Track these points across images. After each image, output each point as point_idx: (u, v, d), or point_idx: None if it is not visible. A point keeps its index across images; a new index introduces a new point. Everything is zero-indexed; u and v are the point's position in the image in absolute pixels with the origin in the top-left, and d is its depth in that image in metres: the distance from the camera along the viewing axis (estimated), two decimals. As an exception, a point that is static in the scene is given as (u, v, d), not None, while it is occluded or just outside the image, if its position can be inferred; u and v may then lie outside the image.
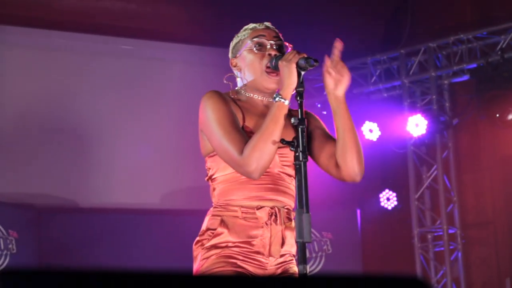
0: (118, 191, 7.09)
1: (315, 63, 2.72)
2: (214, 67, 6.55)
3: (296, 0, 7.33)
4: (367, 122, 7.43)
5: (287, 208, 2.85)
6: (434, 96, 7.31)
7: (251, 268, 2.77)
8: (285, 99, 2.73)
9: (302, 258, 2.53)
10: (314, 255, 7.14)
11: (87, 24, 6.97)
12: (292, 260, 2.86)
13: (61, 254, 6.45)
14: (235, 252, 2.77)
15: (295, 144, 2.64)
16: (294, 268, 2.84)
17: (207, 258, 2.77)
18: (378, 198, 7.72)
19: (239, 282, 1.58)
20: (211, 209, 2.88)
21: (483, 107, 6.96)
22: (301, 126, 2.64)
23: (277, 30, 2.98)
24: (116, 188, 7.08)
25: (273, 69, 2.85)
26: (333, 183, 6.86)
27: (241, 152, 2.71)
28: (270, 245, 2.79)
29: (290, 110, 2.79)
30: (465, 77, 7.17)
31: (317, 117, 3.01)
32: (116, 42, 7.25)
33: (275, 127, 2.70)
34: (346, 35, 7.75)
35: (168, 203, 7.28)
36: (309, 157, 2.79)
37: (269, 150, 2.70)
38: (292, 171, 2.80)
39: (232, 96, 2.92)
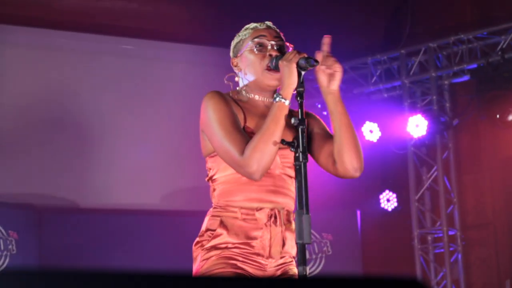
0: (118, 192, 7.08)
1: (315, 63, 2.72)
2: (215, 67, 6.55)
3: (297, 0, 7.33)
4: (367, 123, 7.43)
5: (287, 210, 2.84)
6: (434, 97, 7.30)
7: (251, 270, 2.77)
8: (285, 99, 2.73)
9: (301, 260, 2.52)
10: (314, 256, 7.13)
11: (87, 24, 6.97)
12: (292, 261, 2.86)
13: (61, 255, 6.45)
14: (235, 253, 2.76)
15: (295, 144, 2.63)
16: (294, 270, 2.84)
17: (207, 259, 2.77)
18: (378, 199, 7.72)
19: (239, 283, 1.58)
20: (211, 209, 2.88)
21: (483, 108, 6.96)
22: (301, 127, 2.63)
23: (278, 30, 2.98)
24: (116, 189, 7.08)
25: (274, 69, 2.85)
26: (333, 184, 6.86)
27: (242, 152, 2.70)
28: (270, 247, 2.78)
29: (290, 111, 2.78)
30: (466, 78, 7.17)
31: (318, 117, 3.01)
32: (116, 42, 7.25)
33: (276, 128, 2.70)
34: (346, 35, 7.79)
35: (168, 204, 7.27)
36: (309, 158, 2.78)
37: (270, 151, 2.69)
38: (293, 172, 2.79)
39: (233, 97, 2.92)
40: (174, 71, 7.51)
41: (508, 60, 6.75)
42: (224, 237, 2.77)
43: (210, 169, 2.89)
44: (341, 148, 2.80)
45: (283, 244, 2.80)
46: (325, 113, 7.29)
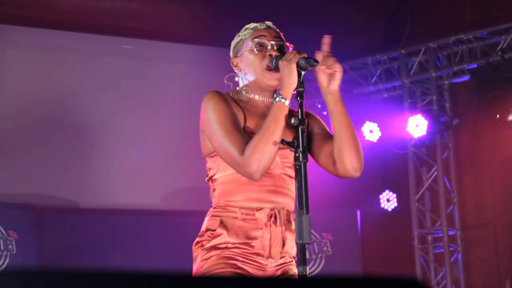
0: (118, 192, 7.08)
1: (315, 63, 2.72)
2: (215, 67, 6.55)
3: (297, 0, 7.33)
4: (367, 123, 7.43)
5: (287, 210, 2.84)
6: (434, 97, 7.30)
7: (251, 270, 2.77)
8: (285, 99, 2.73)
9: (301, 260, 2.52)
10: (314, 256, 7.13)
11: (87, 24, 6.97)
12: (292, 261, 2.86)
13: (61, 255, 6.45)
14: (235, 253, 2.77)
15: (295, 144, 2.63)
16: (294, 270, 2.84)
17: (207, 259, 2.77)
18: (378, 199, 7.72)
19: (239, 283, 1.58)
20: (211, 209, 2.88)
21: (483, 108, 6.96)
22: (301, 127, 2.63)
23: (278, 30, 2.98)
24: (116, 189, 7.08)
25: (274, 69, 2.85)
26: (333, 184, 6.86)
27: (242, 152, 2.70)
28: (270, 247, 2.78)
29: (290, 111, 2.78)
30: (466, 78, 7.17)
31: (318, 117, 3.01)
32: (116, 42, 7.25)
33: (276, 128, 2.70)
34: (346, 35, 7.78)
35: (168, 204, 7.28)
36: (310, 158, 2.78)
37: (270, 151, 2.69)
38: (293, 173, 2.79)
39: (233, 97, 2.92)
40: (174, 71, 7.51)
41: (508, 60, 6.75)
42: (224, 237, 2.77)
43: (210, 169, 2.89)
44: (341, 148, 2.80)
45: (283, 244, 2.80)
46: (325, 113, 7.28)
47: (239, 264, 2.76)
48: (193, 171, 6.29)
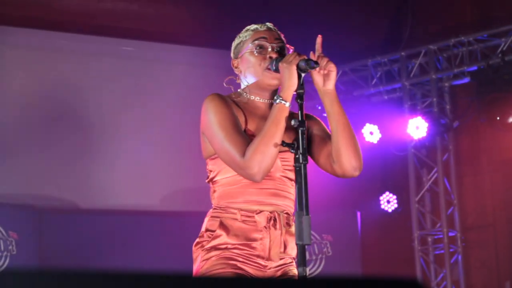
0: (119, 193, 7.09)
1: (315, 65, 2.73)
2: (216, 69, 6.54)
3: (297, 1, 7.33)
4: (367, 125, 7.44)
5: (286, 213, 2.85)
6: (434, 99, 7.31)
7: (251, 270, 2.78)
8: (285, 101, 2.73)
9: (301, 260, 2.52)
10: (314, 257, 7.13)
11: (88, 25, 6.97)
12: (292, 262, 2.86)
13: (61, 255, 6.45)
14: (235, 254, 2.77)
15: (295, 146, 2.64)
16: (294, 271, 2.84)
17: (207, 259, 2.77)
18: (379, 200, 7.72)
19: (239, 283, 1.58)
20: (211, 210, 2.88)
21: (483, 110, 6.96)
22: (301, 128, 2.64)
23: (278, 32, 2.98)
24: (117, 190, 7.08)
25: (274, 71, 2.85)
26: (334, 185, 6.86)
27: (243, 154, 2.70)
28: (269, 249, 2.79)
29: (291, 113, 2.79)
30: (466, 80, 7.17)
31: (318, 118, 3.01)
32: (117, 43, 7.25)
33: (277, 130, 2.70)
34: (346, 37, 7.78)
35: (168, 205, 7.28)
36: (310, 159, 2.79)
37: (271, 153, 2.70)
38: (293, 175, 2.79)
39: (234, 98, 2.92)
40: (175, 73, 7.51)
41: (509, 63, 6.75)
42: (224, 238, 2.78)
43: (210, 171, 2.89)
44: (339, 147, 2.80)
45: (284, 248, 2.81)
46: (325, 114, 7.30)
47: (239, 264, 2.76)
48: (193, 172, 6.30)
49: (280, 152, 2.74)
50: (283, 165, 2.83)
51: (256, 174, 2.70)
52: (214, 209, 2.86)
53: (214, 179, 2.87)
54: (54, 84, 7.05)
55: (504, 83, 6.77)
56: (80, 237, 6.60)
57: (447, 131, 7.34)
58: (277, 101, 2.74)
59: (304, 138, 2.64)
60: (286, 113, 2.73)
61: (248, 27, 2.98)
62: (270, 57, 2.88)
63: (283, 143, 2.68)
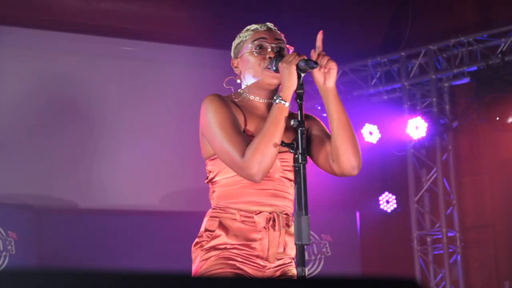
0: (118, 193, 7.09)
1: (315, 65, 2.72)
2: (215, 69, 6.55)
3: (296, 2, 7.33)
4: (367, 125, 7.44)
5: (286, 214, 2.85)
6: (434, 99, 7.31)
7: (250, 270, 2.78)
8: (285, 101, 2.73)
9: (300, 261, 2.52)
10: (313, 257, 7.13)
11: (88, 25, 6.97)
12: (291, 262, 2.86)
13: (61, 255, 6.45)
14: (234, 254, 2.77)
15: (295, 146, 2.64)
16: (293, 271, 2.84)
17: (206, 259, 2.77)
18: (378, 200, 7.73)
19: (238, 283, 1.58)
20: (210, 210, 2.88)
21: (483, 110, 6.96)
22: (300, 128, 2.64)
23: (279, 32, 2.98)
24: (116, 190, 7.08)
25: (273, 72, 2.85)
26: (333, 185, 6.85)
27: (242, 154, 2.70)
28: (268, 250, 2.79)
29: (290, 113, 2.79)
30: (466, 80, 7.17)
31: (318, 119, 3.01)
32: (116, 44, 7.25)
33: (276, 130, 2.70)
34: (346, 37, 7.77)
35: (167, 205, 7.28)
36: (309, 159, 2.79)
37: (270, 153, 2.70)
38: (292, 176, 2.78)
39: (234, 99, 2.92)
40: (174, 73, 7.51)
41: (508, 63, 6.76)
42: (223, 238, 2.78)
43: (210, 171, 2.89)
44: (338, 145, 2.80)
45: (284, 249, 2.81)
46: (324, 115, 7.26)
47: (238, 264, 2.76)
48: (193, 172, 6.30)
49: (279, 152, 2.74)
50: (282, 165, 2.84)
51: (256, 174, 2.70)
52: (213, 209, 2.86)
53: (214, 180, 2.87)
54: (54, 84, 7.04)
55: (504, 83, 6.77)
56: (79, 237, 6.60)
57: (447, 131, 7.34)
58: (277, 101, 2.74)
59: (304, 138, 2.63)
60: (285, 113, 2.73)
61: (248, 27, 2.98)
62: (270, 57, 2.88)
63: (283, 143, 2.68)
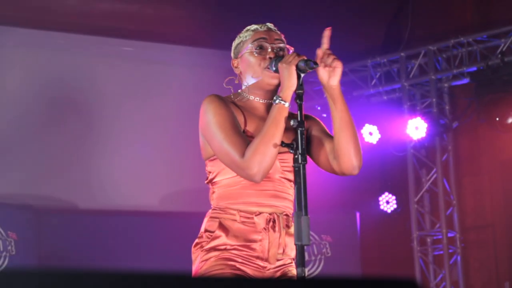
0: (118, 193, 7.09)
1: (314, 66, 2.72)
2: (215, 69, 6.55)
3: (296, 2, 7.33)
4: (366, 125, 7.44)
5: (286, 215, 2.84)
6: (434, 99, 7.31)
7: (250, 271, 2.77)
8: (285, 101, 2.73)
9: (300, 261, 2.52)
10: (313, 258, 7.13)
11: (87, 26, 6.97)
12: (291, 263, 2.86)
13: (60, 255, 6.45)
14: (234, 255, 2.77)
15: (294, 146, 2.64)
16: (293, 271, 2.84)
17: (206, 260, 2.77)
18: (378, 201, 7.72)
19: (238, 284, 1.58)
20: (210, 211, 2.88)
21: (483, 111, 6.96)
22: (300, 129, 2.63)
23: (279, 32, 2.98)
24: (116, 190, 7.08)
25: (273, 72, 2.85)
26: (333, 186, 6.85)
27: (242, 155, 2.70)
28: (268, 251, 2.79)
29: (290, 113, 2.79)
30: (465, 80, 7.18)
31: (318, 119, 3.01)
32: (116, 44, 7.25)
33: (276, 130, 2.70)
34: (346, 37, 7.78)
35: (167, 205, 7.28)
36: (309, 159, 2.79)
37: (270, 153, 2.69)
38: (292, 176, 2.78)
39: (233, 99, 2.92)
40: (174, 73, 7.51)
41: (508, 63, 6.76)
42: (223, 239, 2.78)
43: (209, 172, 2.89)
44: (340, 144, 2.80)
45: (283, 251, 2.81)
46: (324, 115, 7.31)
47: (238, 265, 2.76)
48: (193, 173, 6.29)
49: (279, 153, 2.74)
50: (282, 166, 2.83)
51: (256, 175, 2.69)
52: (213, 210, 2.86)
53: (213, 180, 2.87)
54: (54, 84, 7.04)
55: (504, 83, 6.77)
56: (79, 237, 6.60)
57: (447, 132, 7.34)
58: (277, 101, 2.74)
59: (303, 138, 2.63)
60: (285, 113, 2.73)
61: (248, 27, 2.98)
62: (270, 58, 2.88)
63: (282, 144, 2.68)
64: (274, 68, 2.83)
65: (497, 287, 7.14)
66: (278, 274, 2.82)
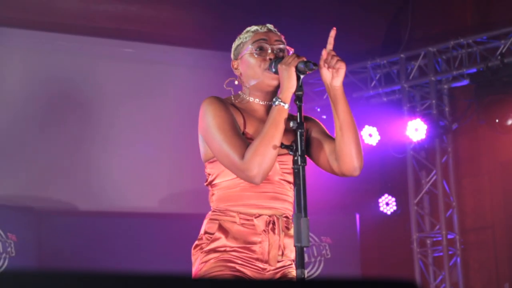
0: (118, 195, 7.09)
1: (314, 67, 2.72)
2: (215, 71, 6.56)
3: (296, 4, 7.34)
4: (366, 127, 7.44)
5: (285, 217, 2.84)
6: (433, 101, 7.31)
7: (249, 273, 2.77)
8: (284, 103, 2.73)
9: (300, 263, 2.52)
10: (313, 259, 7.13)
11: (88, 27, 6.98)
12: (291, 264, 2.86)
13: (60, 257, 6.45)
14: (233, 256, 2.77)
15: (294, 148, 2.64)
16: (293, 273, 2.84)
17: (206, 261, 2.77)
18: (377, 203, 7.72)
19: (237, 285, 1.58)
20: (209, 213, 2.88)
21: (482, 112, 6.96)
22: (299, 130, 2.63)
23: (279, 33, 2.98)
24: (116, 192, 7.08)
25: (273, 73, 2.85)
26: (333, 188, 6.85)
27: (242, 157, 2.70)
28: (268, 253, 2.79)
29: (290, 115, 2.79)
30: (465, 82, 7.18)
31: (317, 120, 3.01)
32: (117, 45, 7.25)
33: (276, 132, 2.70)
34: (346, 39, 7.76)
35: (167, 207, 7.28)
36: (309, 161, 2.79)
37: (270, 155, 2.69)
38: (292, 178, 2.78)
39: (233, 101, 2.92)
40: (174, 75, 7.51)
41: (508, 65, 6.76)
42: (223, 241, 2.78)
43: (209, 174, 2.89)
44: (342, 146, 2.80)
45: (282, 253, 2.80)
46: (324, 116, 7.32)
47: (238, 267, 2.76)
48: (193, 175, 6.29)
49: (278, 155, 2.74)
50: (281, 168, 2.83)
51: (256, 176, 2.69)
52: (213, 211, 2.86)
53: (213, 182, 2.87)
54: (54, 86, 7.04)
55: (503, 85, 6.77)
56: (79, 239, 6.60)
57: (446, 133, 7.35)
58: (276, 102, 2.74)
59: (303, 140, 2.63)
60: (285, 115, 2.73)
61: (248, 28, 2.98)
62: (270, 59, 2.88)
63: (282, 145, 2.68)
64: (274, 70, 2.83)
65: (497, 288, 7.14)
66: (278, 275, 2.82)
